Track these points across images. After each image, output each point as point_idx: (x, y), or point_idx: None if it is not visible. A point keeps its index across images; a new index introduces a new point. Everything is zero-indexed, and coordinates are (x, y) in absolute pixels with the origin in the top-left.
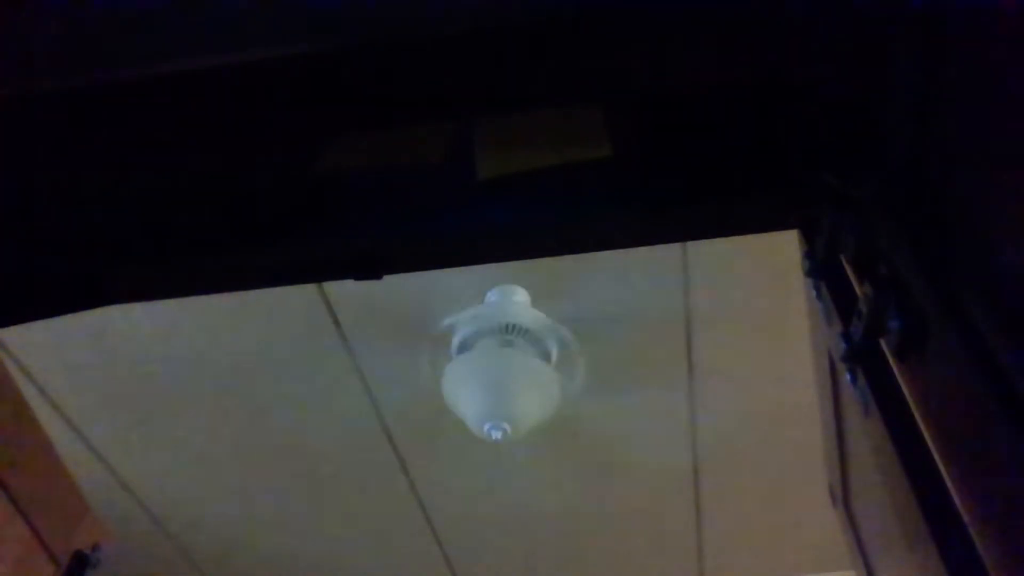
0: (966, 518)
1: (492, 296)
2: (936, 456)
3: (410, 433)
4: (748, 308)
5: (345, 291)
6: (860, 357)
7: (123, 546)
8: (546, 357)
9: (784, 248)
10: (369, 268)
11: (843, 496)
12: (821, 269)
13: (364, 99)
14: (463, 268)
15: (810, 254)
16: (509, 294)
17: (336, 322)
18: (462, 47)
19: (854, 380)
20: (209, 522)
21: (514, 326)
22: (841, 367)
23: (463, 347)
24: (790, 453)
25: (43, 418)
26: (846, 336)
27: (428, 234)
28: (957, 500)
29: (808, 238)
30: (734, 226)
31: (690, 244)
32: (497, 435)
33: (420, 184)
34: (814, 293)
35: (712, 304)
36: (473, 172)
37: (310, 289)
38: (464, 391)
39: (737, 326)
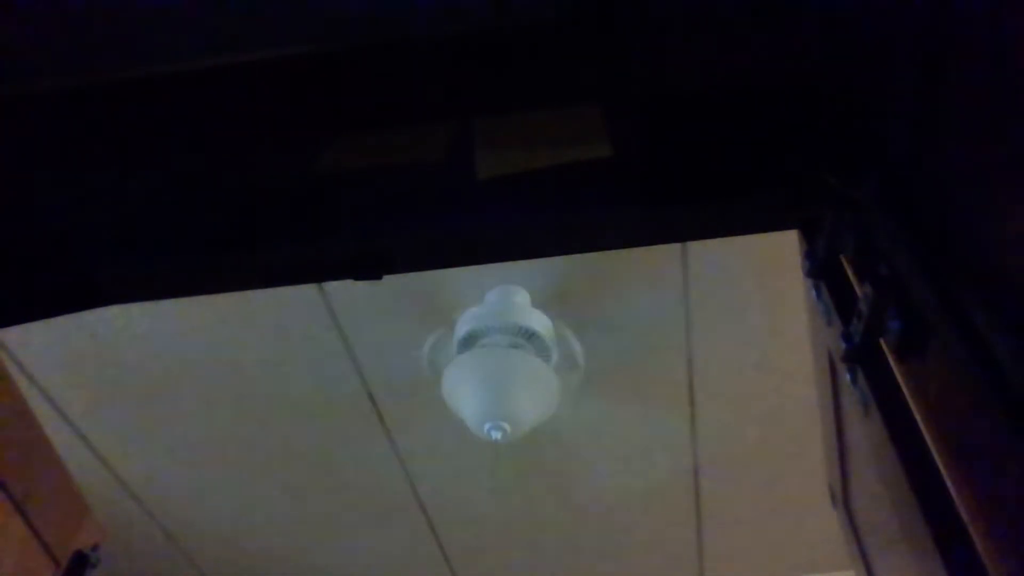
0: (966, 518)
1: (492, 296)
2: (936, 456)
3: (410, 434)
4: (748, 308)
5: (345, 291)
6: (860, 357)
7: (123, 546)
8: (546, 357)
9: (784, 248)
10: (369, 268)
11: (843, 496)
12: (821, 269)
13: (364, 99)
14: (463, 268)
15: (810, 254)
16: (509, 294)
17: (336, 322)
18: (462, 47)
19: (854, 380)
20: (209, 522)
21: (514, 326)
22: (841, 367)
23: (463, 347)
24: (790, 453)
25: (43, 418)
26: (846, 336)
27: (429, 234)
28: (957, 500)
29: (808, 238)
30: (734, 226)
31: (690, 244)
32: (497, 435)
33: (420, 184)
34: (814, 293)
35: (712, 304)
36: (473, 172)
37: (310, 289)
38: (464, 391)
39: (737, 326)
